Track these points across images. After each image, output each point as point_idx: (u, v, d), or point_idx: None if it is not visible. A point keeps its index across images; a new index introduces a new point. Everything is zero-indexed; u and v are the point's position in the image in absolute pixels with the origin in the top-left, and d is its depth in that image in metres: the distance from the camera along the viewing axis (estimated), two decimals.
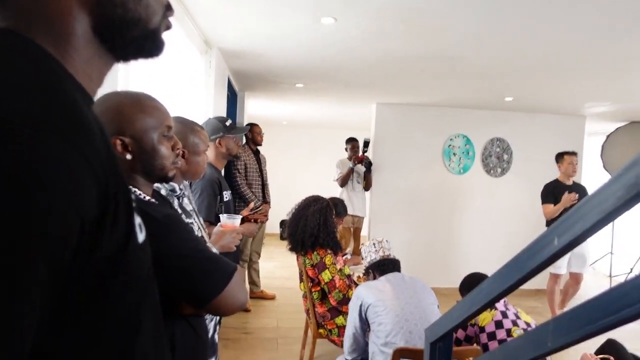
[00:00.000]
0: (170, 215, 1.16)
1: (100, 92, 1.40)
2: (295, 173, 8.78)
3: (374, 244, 2.46)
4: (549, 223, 4.25)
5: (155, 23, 0.61)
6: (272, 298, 4.88)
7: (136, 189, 1.18)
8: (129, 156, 1.11)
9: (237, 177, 4.35)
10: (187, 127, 1.75)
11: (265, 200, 4.67)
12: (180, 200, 1.77)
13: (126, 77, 1.78)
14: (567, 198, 4.11)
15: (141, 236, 0.58)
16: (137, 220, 0.58)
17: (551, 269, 4.29)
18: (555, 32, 2.67)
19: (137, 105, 1.13)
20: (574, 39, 2.79)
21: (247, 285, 4.82)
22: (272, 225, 7.23)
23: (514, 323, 2.04)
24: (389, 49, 3.18)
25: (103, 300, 0.51)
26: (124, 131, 1.10)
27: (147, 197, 1.20)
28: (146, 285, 0.60)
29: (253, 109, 6.58)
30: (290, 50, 3.34)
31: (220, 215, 1.79)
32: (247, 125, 4.74)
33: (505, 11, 2.37)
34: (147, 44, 0.62)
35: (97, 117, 0.56)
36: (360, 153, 5.31)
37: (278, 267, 6.18)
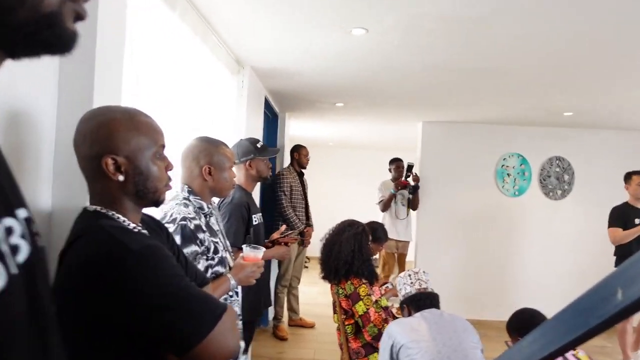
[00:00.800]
0: (149, 246, 1.00)
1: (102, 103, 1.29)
2: (339, 195, 8.59)
3: (409, 275, 2.21)
4: (617, 250, 3.79)
5: (51, 5, 0.47)
6: (312, 326, 4.65)
7: (120, 215, 1.06)
8: (121, 177, 1.02)
9: (282, 199, 4.23)
10: (211, 145, 1.77)
11: (309, 224, 4.51)
12: (208, 219, 1.72)
13: (137, 91, 1.69)
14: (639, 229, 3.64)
15: None
16: None
17: None
18: (614, 29, 2.31)
19: (131, 122, 1.04)
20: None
21: (286, 312, 4.63)
22: (317, 249, 7.03)
23: None
24: (426, 60, 2.95)
25: None
26: (117, 150, 1.00)
27: (132, 225, 1.07)
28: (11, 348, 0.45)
29: (295, 130, 6.50)
30: (324, 66, 3.20)
31: (243, 247, 1.68)
32: (294, 146, 4.64)
33: (552, 10, 2.10)
34: (42, 34, 0.48)
35: None
36: (403, 178, 5.03)
37: (321, 293, 5.94)
